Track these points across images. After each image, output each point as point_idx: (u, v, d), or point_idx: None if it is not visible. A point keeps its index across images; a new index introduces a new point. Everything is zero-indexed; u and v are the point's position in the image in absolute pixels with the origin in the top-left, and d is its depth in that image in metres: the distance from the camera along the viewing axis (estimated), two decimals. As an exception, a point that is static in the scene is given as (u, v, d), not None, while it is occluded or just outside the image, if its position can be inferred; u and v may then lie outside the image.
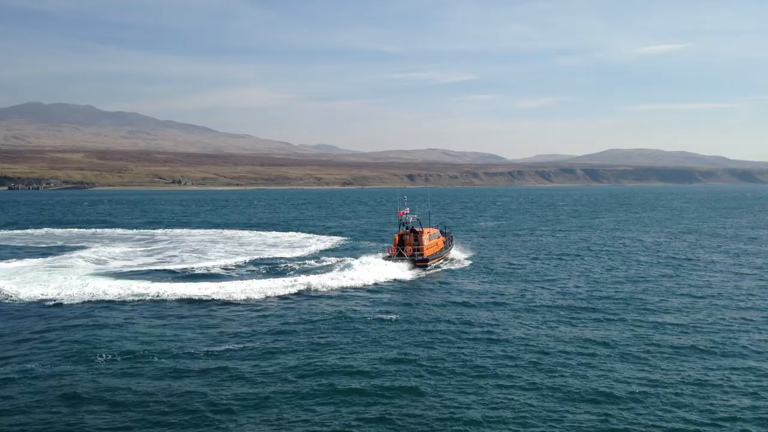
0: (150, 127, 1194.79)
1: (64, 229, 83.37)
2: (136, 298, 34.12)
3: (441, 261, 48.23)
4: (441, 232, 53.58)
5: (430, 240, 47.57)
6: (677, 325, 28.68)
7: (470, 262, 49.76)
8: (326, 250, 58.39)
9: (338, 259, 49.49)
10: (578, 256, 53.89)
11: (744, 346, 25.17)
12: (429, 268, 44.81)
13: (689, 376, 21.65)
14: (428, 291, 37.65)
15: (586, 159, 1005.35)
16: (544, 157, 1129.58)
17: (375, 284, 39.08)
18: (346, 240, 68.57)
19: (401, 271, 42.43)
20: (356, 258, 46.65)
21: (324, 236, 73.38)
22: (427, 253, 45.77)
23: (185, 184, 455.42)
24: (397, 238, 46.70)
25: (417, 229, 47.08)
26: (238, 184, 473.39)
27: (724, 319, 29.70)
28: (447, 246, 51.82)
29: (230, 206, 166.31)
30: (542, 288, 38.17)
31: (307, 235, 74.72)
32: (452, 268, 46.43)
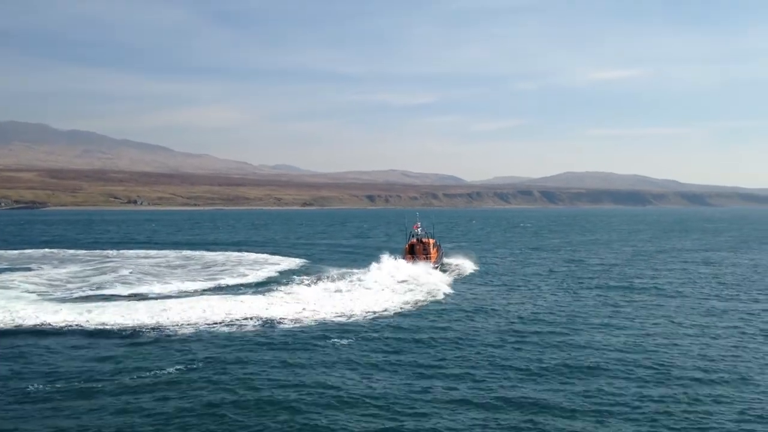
0: (105, 145, 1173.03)
1: (12, 251, 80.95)
2: (74, 326, 32.09)
3: (442, 263, 57.16)
4: (435, 241, 61.57)
5: (433, 248, 56.41)
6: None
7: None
8: (293, 270, 57.68)
9: (309, 277, 49.05)
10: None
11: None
12: (435, 269, 51.76)
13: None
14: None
15: (542, 181, 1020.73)
16: (502, 179, 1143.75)
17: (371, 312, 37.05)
18: (308, 262, 67.25)
19: (421, 270, 48.82)
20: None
21: (289, 258, 72.32)
22: (432, 259, 54.23)
23: (141, 203, 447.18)
24: (408, 247, 56.36)
25: (423, 240, 56.73)
26: (195, 204, 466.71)
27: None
28: (440, 253, 60.19)
29: (187, 226, 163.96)
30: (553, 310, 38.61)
31: (269, 256, 73.93)
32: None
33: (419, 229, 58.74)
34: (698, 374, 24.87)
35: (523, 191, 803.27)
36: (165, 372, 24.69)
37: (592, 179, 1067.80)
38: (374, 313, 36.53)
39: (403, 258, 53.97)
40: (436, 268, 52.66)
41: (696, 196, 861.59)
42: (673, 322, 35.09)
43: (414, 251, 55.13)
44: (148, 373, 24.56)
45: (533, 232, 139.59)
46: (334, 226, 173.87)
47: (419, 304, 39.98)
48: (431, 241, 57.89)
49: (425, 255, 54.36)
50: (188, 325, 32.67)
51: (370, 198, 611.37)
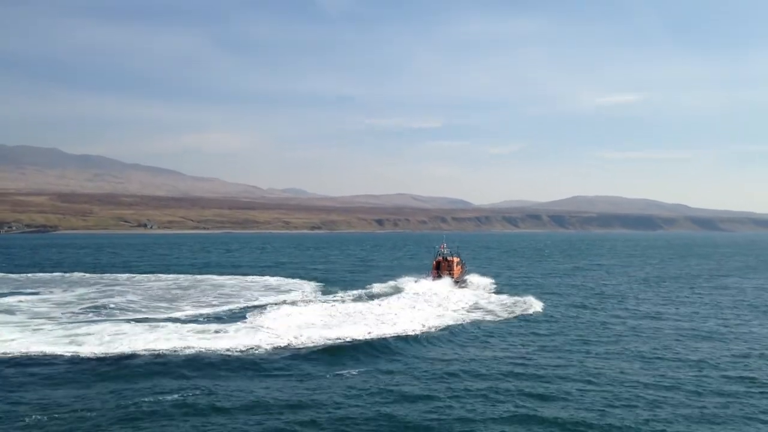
0: (116, 170, 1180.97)
1: (21, 274, 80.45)
2: (77, 353, 30.81)
3: (464, 279, 65.01)
4: (460, 259, 68.90)
5: (456, 266, 64.05)
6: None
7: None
8: (307, 293, 57.45)
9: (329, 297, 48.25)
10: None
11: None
12: (458, 284, 60.70)
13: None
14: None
15: (552, 205, 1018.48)
16: (511, 202, 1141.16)
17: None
18: (324, 285, 66.77)
19: (444, 286, 57.41)
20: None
21: (302, 281, 71.87)
22: (455, 275, 62.31)
23: (151, 227, 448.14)
24: (435, 263, 64.60)
25: (449, 258, 64.47)
26: (204, 228, 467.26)
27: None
28: (464, 269, 68.50)
29: (197, 249, 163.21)
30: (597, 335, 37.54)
31: (284, 280, 73.18)
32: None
33: (445, 249, 66.83)
34: None
35: (532, 215, 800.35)
36: (166, 400, 23.65)
37: (602, 203, 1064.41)
38: (377, 338, 35.46)
39: (430, 273, 63.13)
40: (457, 282, 60.75)
41: (707, 221, 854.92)
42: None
43: (440, 267, 63.39)
44: (148, 400, 23.57)
45: (550, 257, 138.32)
46: (343, 249, 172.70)
47: (435, 326, 38.91)
48: (455, 259, 65.52)
49: (449, 271, 62.47)
50: (199, 350, 31.53)
51: (379, 222, 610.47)
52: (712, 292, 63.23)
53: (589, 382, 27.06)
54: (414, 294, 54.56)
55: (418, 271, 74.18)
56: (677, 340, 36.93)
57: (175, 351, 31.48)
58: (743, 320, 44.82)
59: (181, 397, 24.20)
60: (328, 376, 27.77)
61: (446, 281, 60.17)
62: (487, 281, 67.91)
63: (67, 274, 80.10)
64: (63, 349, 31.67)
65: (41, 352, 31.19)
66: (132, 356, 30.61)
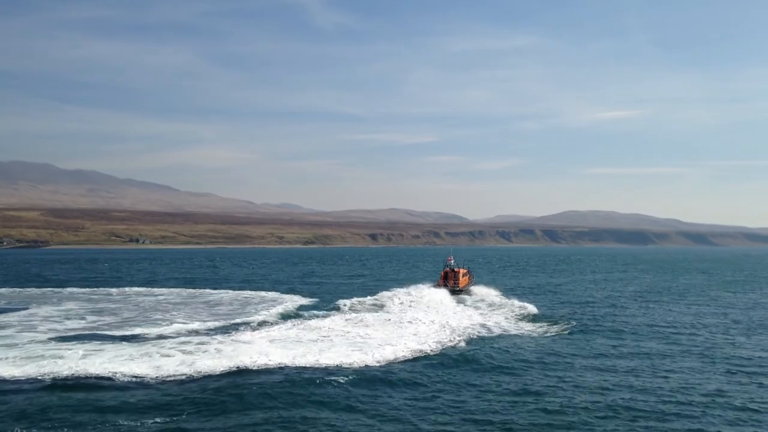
0: (110, 185, 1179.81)
1: (11, 289, 79.68)
2: (65, 372, 29.39)
3: (469, 289, 70.79)
4: (467, 270, 75.36)
5: (462, 277, 70.22)
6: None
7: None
8: (303, 308, 57.17)
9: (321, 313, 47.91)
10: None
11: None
12: (462, 293, 66.80)
13: None
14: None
15: (544, 220, 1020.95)
16: (504, 217, 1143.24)
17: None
18: (317, 300, 66.30)
19: (448, 295, 62.51)
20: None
21: (295, 295, 71.30)
22: (461, 285, 68.55)
23: (143, 242, 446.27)
24: (443, 274, 70.93)
25: (455, 269, 70.56)
26: (197, 243, 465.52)
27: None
28: (471, 280, 75.14)
29: (189, 264, 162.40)
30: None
31: (277, 295, 72.36)
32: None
33: (452, 261, 73.23)
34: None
35: (525, 230, 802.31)
36: (147, 425, 22.80)
37: (594, 218, 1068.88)
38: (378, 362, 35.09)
39: (437, 283, 69.06)
40: (459, 291, 66.88)
41: (699, 236, 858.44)
42: None
43: (446, 278, 69.31)
44: (127, 425, 22.76)
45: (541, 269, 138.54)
46: (337, 263, 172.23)
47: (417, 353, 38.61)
48: (461, 270, 71.41)
49: (455, 281, 68.50)
50: (185, 369, 30.59)
51: (373, 236, 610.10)
52: (703, 308, 63.26)
53: (577, 399, 26.84)
54: (409, 306, 55.79)
55: (410, 283, 74.61)
56: (664, 356, 36.91)
57: (158, 370, 30.36)
58: (732, 336, 44.83)
59: (165, 421, 23.40)
60: (319, 399, 27.04)
61: (447, 291, 64.55)
62: (489, 291, 71.17)
63: (57, 289, 79.35)
64: (42, 369, 30.06)
65: (12, 375, 29.47)
66: (112, 376, 29.35)
